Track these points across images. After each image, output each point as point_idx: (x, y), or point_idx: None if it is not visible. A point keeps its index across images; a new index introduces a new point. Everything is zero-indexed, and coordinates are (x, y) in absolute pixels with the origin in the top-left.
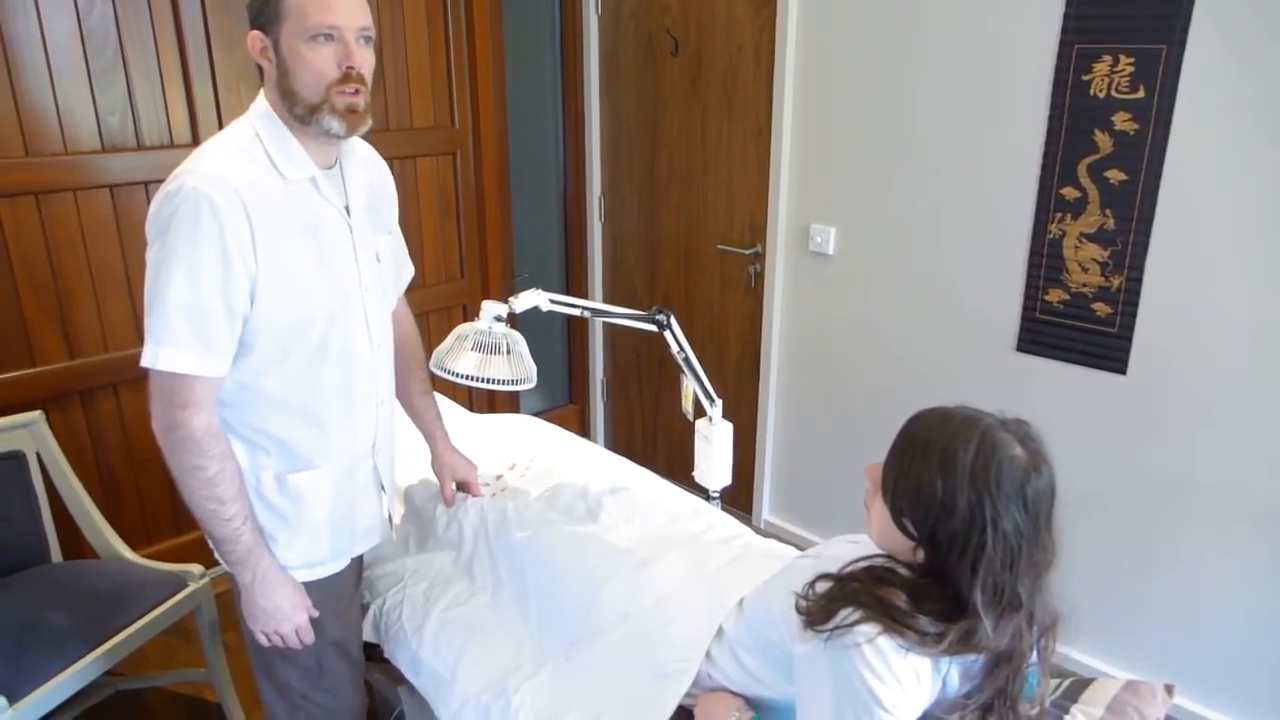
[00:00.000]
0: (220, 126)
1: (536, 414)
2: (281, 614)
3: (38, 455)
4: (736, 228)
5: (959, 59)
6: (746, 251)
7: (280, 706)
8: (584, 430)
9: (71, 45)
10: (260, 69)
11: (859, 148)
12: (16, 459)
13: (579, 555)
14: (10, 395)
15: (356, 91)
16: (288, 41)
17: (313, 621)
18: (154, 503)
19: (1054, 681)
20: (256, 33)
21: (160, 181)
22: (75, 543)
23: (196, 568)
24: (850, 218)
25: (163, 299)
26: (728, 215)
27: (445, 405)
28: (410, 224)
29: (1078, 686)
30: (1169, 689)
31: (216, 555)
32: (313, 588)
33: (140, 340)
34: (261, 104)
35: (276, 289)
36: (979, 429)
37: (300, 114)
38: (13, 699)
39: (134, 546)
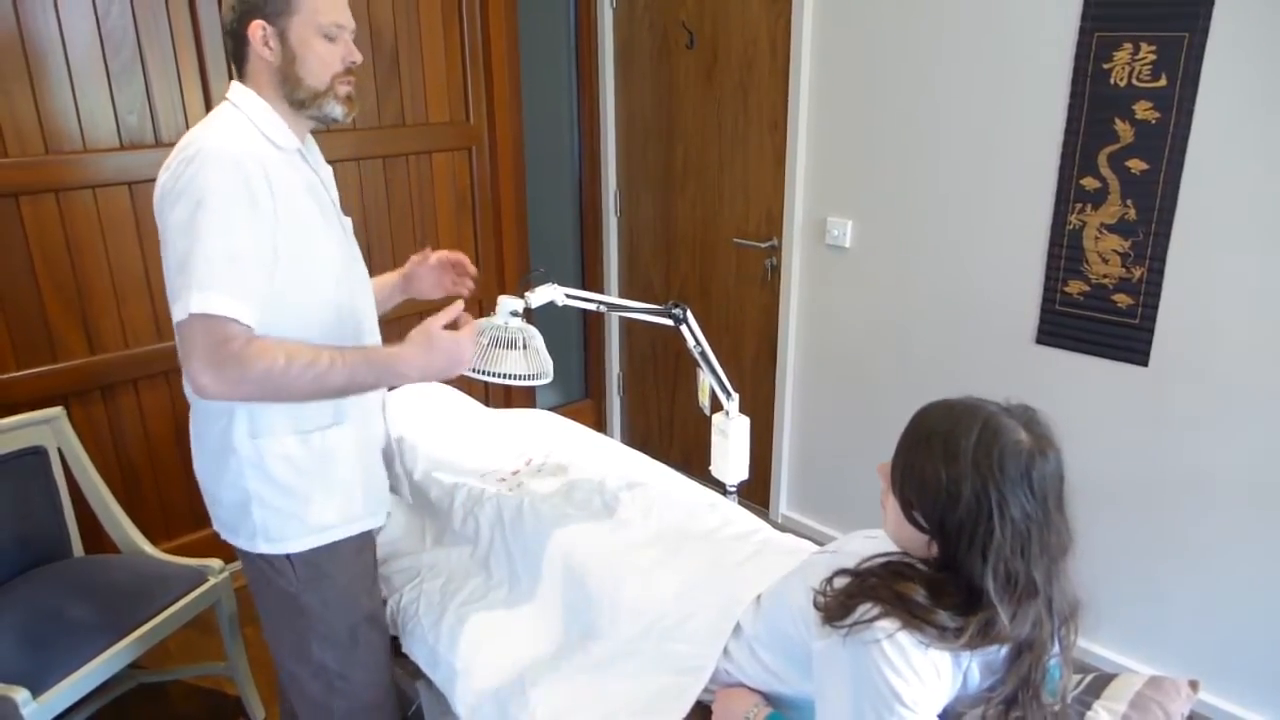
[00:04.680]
0: None
1: (552, 409)
2: (450, 350)
3: (59, 450)
4: (752, 221)
5: (977, 48)
6: (763, 245)
7: (317, 689)
8: (600, 425)
9: (90, 45)
10: (235, 57)
11: (876, 140)
12: (38, 454)
13: (596, 551)
14: (32, 390)
15: (350, 82)
16: (299, 33)
17: (348, 594)
18: (173, 497)
19: (1076, 677)
20: (260, 21)
21: None
22: (96, 537)
23: (216, 562)
24: (867, 210)
25: (202, 249)
26: (744, 208)
27: (461, 400)
28: (426, 219)
29: (1100, 682)
30: (1193, 684)
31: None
32: (346, 552)
33: (160, 336)
34: (241, 92)
35: (295, 242)
36: (981, 416)
37: (303, 98)
38: (37, 692)
39: (154, 541)
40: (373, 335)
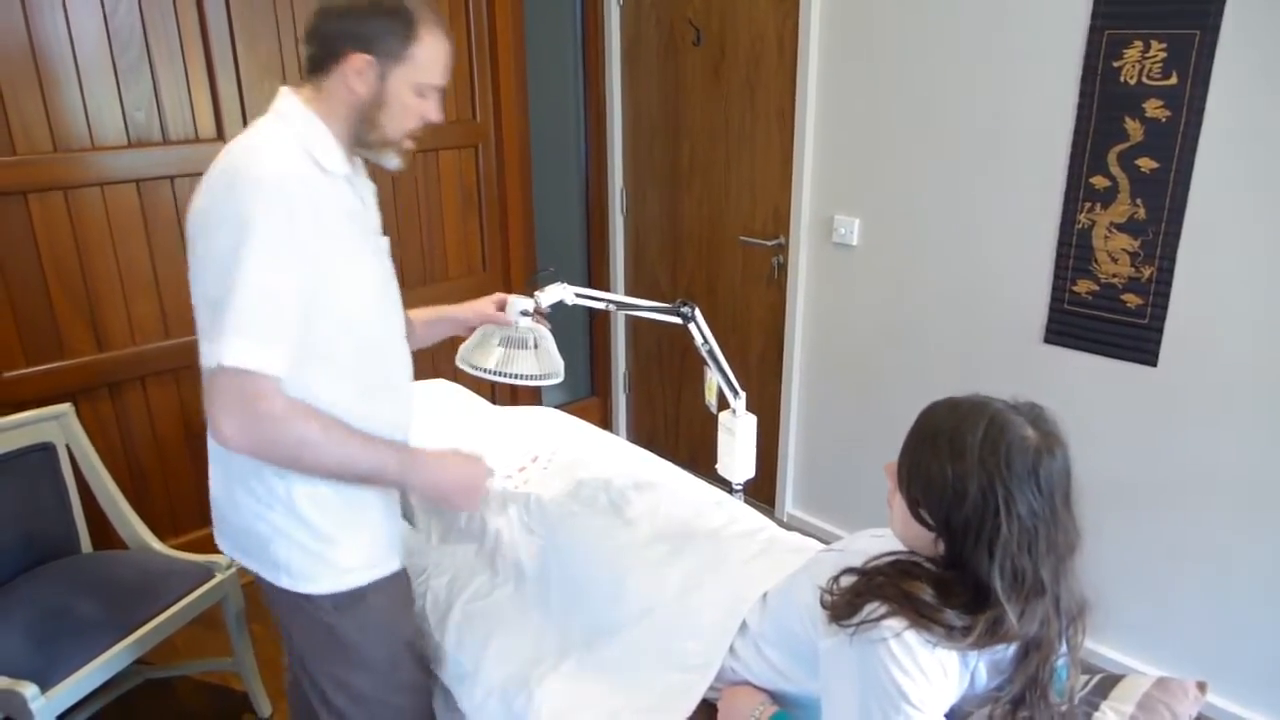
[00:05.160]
0: (245, 121)
1: (558, 406)
2: (467, 475)
3: (67, 447)
4: (759, 219)
5: (985, 45)
6: (769, 243)
7: (360, 717)
8: (606, 423)
9: (98, 43)
10: (315, 65)
11: (884, 137)
12: (46, 451)
13: (602, 548)
14: (40, 387)
15: (418, 138)
16: (398, 83)
17: (386, 620)
18: (181, 494)
19: (1083, 678)
20: (367, 56)
21: (187, 176)
22: (104, 533)
23: (224, 558)
24: (875, 209)
25: (243, 288)
26: (750, 207)
27: (468, 397)
28: (432, 217)
29: (1107, 683)
30: (1201, 686)
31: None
32: (385, 588)
33: (168, 333)
34: (297, 105)
35: (334, 269)
36: (987, 413)
37: (371, 140)
38: (45, 687)
39: (161, 537)
40: (402, 360)
